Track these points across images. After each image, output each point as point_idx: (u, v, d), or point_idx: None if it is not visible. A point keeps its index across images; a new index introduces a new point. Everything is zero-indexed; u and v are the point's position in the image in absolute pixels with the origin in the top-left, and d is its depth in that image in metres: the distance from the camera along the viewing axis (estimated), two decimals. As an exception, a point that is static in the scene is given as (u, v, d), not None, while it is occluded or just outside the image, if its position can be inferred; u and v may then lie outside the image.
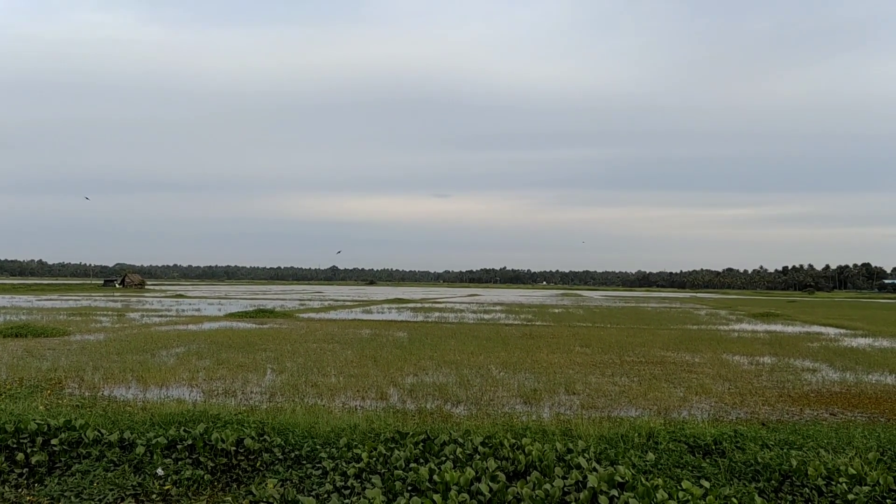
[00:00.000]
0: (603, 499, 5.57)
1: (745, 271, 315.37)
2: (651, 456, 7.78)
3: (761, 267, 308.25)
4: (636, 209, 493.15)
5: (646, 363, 19.30)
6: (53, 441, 7.97)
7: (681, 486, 5.90)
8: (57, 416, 9.34)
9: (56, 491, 7.02)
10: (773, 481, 7.15)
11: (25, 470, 7.58)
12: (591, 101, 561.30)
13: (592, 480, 5.80)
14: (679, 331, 32.47)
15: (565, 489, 5.89)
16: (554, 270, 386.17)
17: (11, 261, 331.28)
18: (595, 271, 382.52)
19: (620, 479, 5.99)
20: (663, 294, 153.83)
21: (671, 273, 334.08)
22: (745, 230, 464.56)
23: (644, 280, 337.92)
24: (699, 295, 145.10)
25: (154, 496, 7.03)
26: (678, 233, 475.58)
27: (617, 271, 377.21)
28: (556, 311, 53.42)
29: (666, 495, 5.50)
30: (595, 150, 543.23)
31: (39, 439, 8.03)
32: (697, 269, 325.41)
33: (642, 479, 5.99)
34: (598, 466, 6.53)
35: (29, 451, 7.82)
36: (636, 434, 9.08)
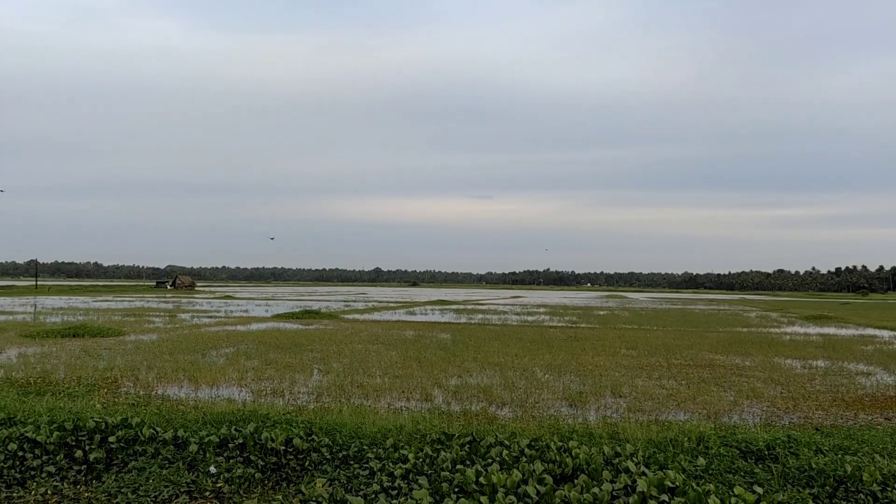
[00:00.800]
0: (653, 503, 5.51)
1: (797, 273, 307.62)
2: (702, 461, 7.66)
3: (813, 268, 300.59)
4: (683, 210, 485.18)
5: (694, 366, 18.99)
6: (111, 439, 8.21)
7: (733, 491, 5.80)
8: (114, 414, 9.62)
9: (113, 487, 7.22)
10: (827, 487, 6.97)
11: (84, 467, 7.82)
12: (635, 100, 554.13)
13: (642, 485, 5.73)
14: (728, 333, 31.85)
15: (614, 493, 5.84)
16: (598, 272, 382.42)
17: (69, 263, 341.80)
18: (640, 273, 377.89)
19: (670, 484, 5.91)
20: (711, 296, 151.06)
21: (719, 274, 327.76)
22: (796, 230, 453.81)
23: (691, 282, 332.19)
24: (748, 297, 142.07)
25: (207, 493, 7.19)
26: (726, 233, 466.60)
27: (663, 273, 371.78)
28: (601, 313, 52.90)
29: (718, 501, 5.42)
30: (640, 150, 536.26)
31: (97, 437, 8.27)
32: (746, 270, 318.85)
33: (693, 485, 5.91)
34: (646, 471, 6.45)
35: (87, 448, 8.06)
36: (686, 438, 8.94)
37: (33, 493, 7.16)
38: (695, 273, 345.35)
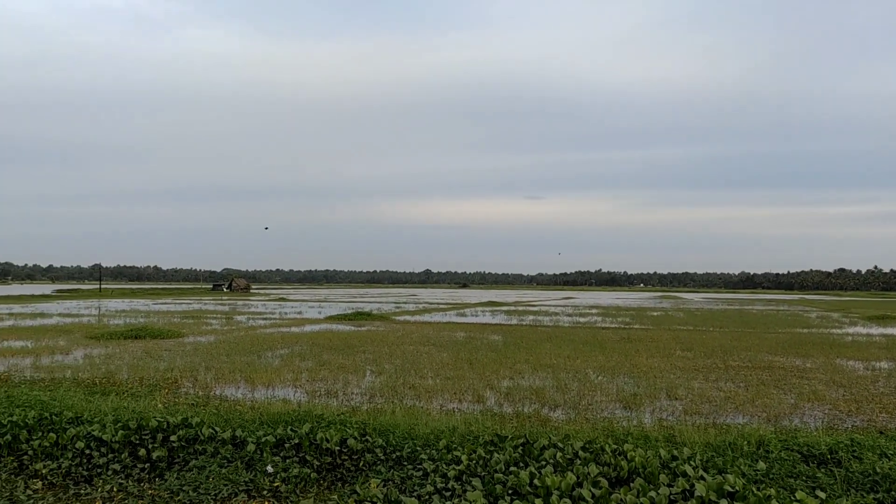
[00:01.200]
0: (711, 508, 5.40)
1: (858, 271, 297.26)
2: (762, 465, 7.48)
3: (876, 267, 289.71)
4: (738, 208, 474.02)
5: (752, 368, 18.54)
6: (172, 438, 8.44)
7: (794, 496, 5.65)
8: (175, 413, 9.90)
9: (175, 485, 7.43)
10: (892, 493, 6.73)
11: (147, 465, 8.05)
12: (687, 98, 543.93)
13: (700, 489, 5.63)
14: (787, 334, 30.99)
15: (671, 497, 5.75)
16: (651, 272, 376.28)
17: (130, 266, 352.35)
18: (695, 273, 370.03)
19: (730, 489, 5.79)
20: (769, 296, 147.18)
21: (777, 274, 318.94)
22: (857, 228, 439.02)
23: (748, 281, 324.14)
24: (808, 297, 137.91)
25: (265, 492, 7.33)
26: (784, 232, 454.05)
27: (718, 272, 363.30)
28: (655, 313, 52.07)
29: (779, 506, 5.29)
30: (693, 149, 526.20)
31: (160, 436, 8.52)
32: (806, 269, 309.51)
33: (753, 489, 5.77)
34: (705, 475, 6.33)
35: (150, 447, 8.31)
36: (745, 442, 8.74)
37: (100, 490, 7.41)
38: (752, 273, 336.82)
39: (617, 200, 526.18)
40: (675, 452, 7.44)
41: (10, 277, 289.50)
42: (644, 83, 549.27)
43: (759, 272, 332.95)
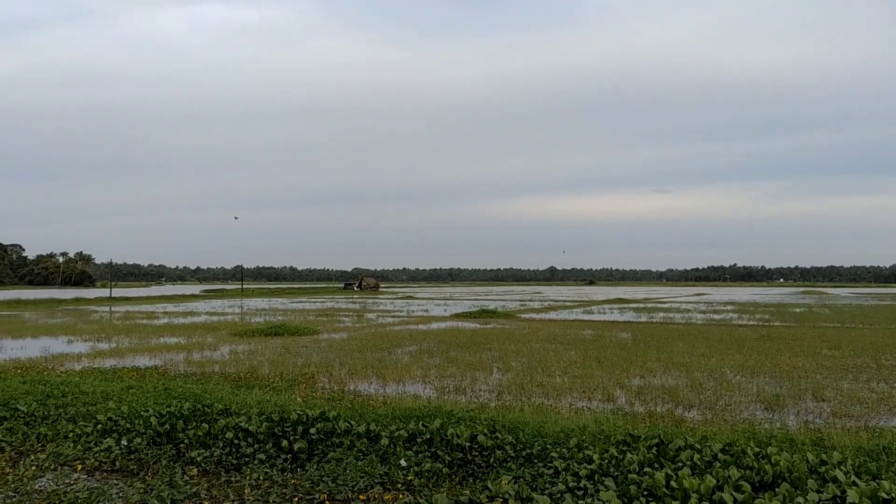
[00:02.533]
0: (867, 517, 5.04)
1: None
2: (923, 473, 6.88)
3: None
4: (888, 197, 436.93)
5: (910, 368, 17.07)
6: (311, 430, 8.85)
7: (965, 509, 5.17)
8: (313, 407, 10.37)
9: (315, 476, 7.78)
10: None
11: (289, 455, 8.49)
12: (825, 83, 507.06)
13: (852, 495, 5.26)
14: (952, 332, 28.30)
15: (821, 504, 5.41)
16: (792, 266, 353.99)
17: (268, 267, 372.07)
18: (841, 266, 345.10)
19: (885, 496, 5.38)
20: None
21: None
22: None
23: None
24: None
25: (399, 485, 7.54)
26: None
27: (868, 266, 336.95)
28: (797, 310, 49.04)
29: (946, 519, 4.85)
30: (834, 136, 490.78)
31: (300, 428, 8.96)
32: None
33: (915, 499, 5.33)
34: (857, 481, 5.91)
35: (292, 438, 8.75)
36: (903, 448, 8.08)
37: (248, 478, 7.89)
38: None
39: (751, 192, 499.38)
40: (824, 457, 6.98)
41: (163, 278, 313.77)
42: (773, 68, 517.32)
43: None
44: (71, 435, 9.43)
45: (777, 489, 5.87)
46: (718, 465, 6.74)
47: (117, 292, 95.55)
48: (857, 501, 5.29)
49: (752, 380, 15.21)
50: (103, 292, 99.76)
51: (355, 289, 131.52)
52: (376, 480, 7.60)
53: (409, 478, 7.69)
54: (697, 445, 7.60)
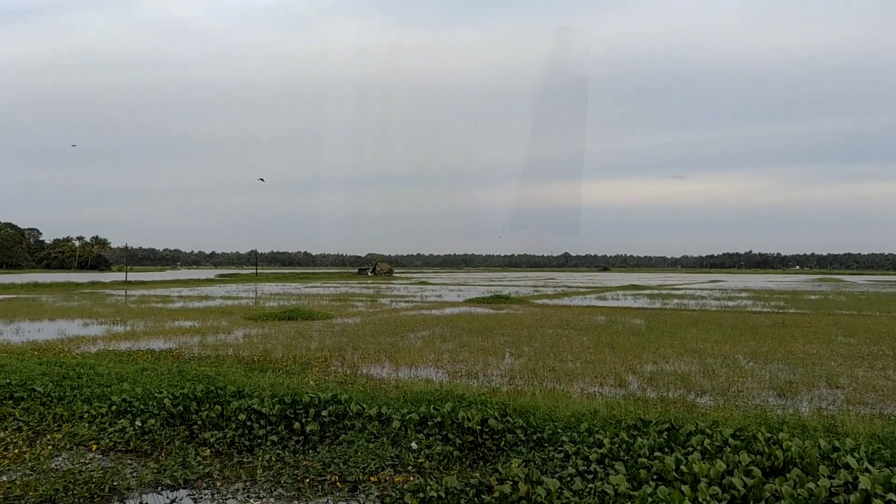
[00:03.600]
0: (878, 502, 5.01)
1: None
2: (937, 460, 6.83)
3: None
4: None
5: (927, 356, 16.91)
6: (323, 413, 8.91)
7: (978, 496, 5.12)
8: (325, 390, 10.43)
9: (327, 457, 7.84)
10: None
11: (301, 437, 8.55)
12: (839, 65, 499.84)
13: (865, 482, 5.23)
14: (970, 320, 27.98)
15: (832, 490, 5.38)
16: (808, 253, 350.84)
17: (282, 252, 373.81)
18: (858, 254, 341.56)
19: (899, 484, 5.34)
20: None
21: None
22: None
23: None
24: None
25: (410, 467, 7.58)
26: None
27: (886, 253, 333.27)
28: (813, 297, 48.68)
29: (959, 505, 4.82)
30: (849, 120, 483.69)
31: (312, 411, 9.02)
32: None
33: (928, 486, 5.29)
34: (870, 467, 5.87)
35: (304, 420, 8.82)
36: (917, 435, 8.01)
37: (260, 459, 7.96)
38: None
39: (768, 178, 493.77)
40: (837, 443, 6.94)
41: (179, 263, 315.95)
42: (793, 52, 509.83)
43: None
44: (86, 416, 9.56)
45: (788, 474, 5.85)
46: (729, 450, 6.73)
47: (133, 276, 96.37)
48: (868, 488, 5.26)
49: (765, 366, 15.13)
50: (119, 276, 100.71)
51: (369, 274, 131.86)
52: (387, 462, 7.65)
53: (420, 460, 7.73)
54: (708, 430, 7.58)
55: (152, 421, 9.00)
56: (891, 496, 5.18)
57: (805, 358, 16.42)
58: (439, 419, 8.45)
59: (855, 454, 6.51)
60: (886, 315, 31.13)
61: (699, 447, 6.94)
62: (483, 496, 6.33)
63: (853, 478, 5.54)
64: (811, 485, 5.38)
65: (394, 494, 6.67)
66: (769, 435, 7.20)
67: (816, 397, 11.90)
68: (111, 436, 8.77)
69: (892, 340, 20.19)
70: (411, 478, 7.26)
